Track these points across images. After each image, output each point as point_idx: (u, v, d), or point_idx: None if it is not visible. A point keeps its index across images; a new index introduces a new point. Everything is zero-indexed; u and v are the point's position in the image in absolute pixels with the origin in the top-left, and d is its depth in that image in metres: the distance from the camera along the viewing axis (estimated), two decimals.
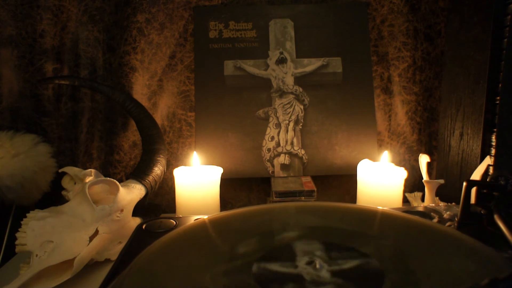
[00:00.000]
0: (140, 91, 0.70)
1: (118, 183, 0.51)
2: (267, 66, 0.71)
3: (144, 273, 0.29)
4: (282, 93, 0.71)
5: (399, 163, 0.73)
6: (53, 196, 0.61)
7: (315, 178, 0.68)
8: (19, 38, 0.67)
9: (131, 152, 0.71)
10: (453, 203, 0.52)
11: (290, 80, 0.71)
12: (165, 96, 0.72)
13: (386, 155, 0.65)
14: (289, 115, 0.70)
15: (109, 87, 0.62)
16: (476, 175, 0.57)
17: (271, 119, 0.71)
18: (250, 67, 0.71)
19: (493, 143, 0.59)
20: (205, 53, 0.71)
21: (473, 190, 0.41)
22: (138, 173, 0.58)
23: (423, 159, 0.64)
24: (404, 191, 0.64)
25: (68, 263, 0.42)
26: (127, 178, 0.58)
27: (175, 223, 0.44)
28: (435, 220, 0.43)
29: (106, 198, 0.52)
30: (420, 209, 0.47)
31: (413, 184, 0.74)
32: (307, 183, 0.65)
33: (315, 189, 0.61)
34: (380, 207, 0.42)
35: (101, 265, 0.48)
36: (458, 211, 0.41)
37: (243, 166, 0.70)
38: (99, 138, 0.71)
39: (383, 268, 0.29)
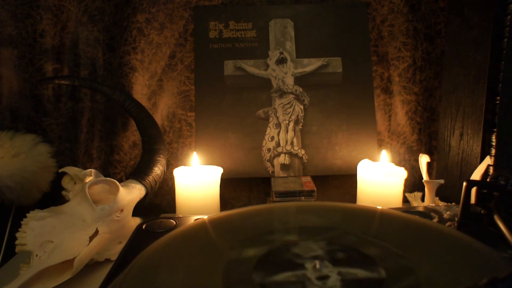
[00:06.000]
0: (140, 91, 0.70)
1: (118, 183, 0.51)
2: (267, 66, 0.71)
3: (144, 273, 0.29)
4: (282, 93, 0.71)
5: (399, 163, 0.73)
6: (53, 196, 0.61)
7: (315, 178, 0.68)
8: (19, 38, 0.67)
9: (131, 152, 0.71)
10: (453, 203, 0.52)
11: (290, 80, 0.71)
12: (165, 96, 0.72)
13: (384, 154, 0.65)
14: (289, 115, 0.70)
15: (109, 87, 0.62)
16: (476, 175, 0.57)
17: (271, 119, 0.71)
18: (250, 67, 0.71)
19: (493, 143, 0.59)
20: (205, 53, 0.71)
21: (473, 190, 0.41)
22: (138, 173, 0.58)
23: (423, 159, 0.64)
24: (404, 191, 0.64)
25: (68, 263, 0.42)
26: (127, 178, 0.58)
27: (175, 223, 0.44)
28: (435, 220, 0.43)
29: (106, 198, 0.52)
30: (420, 209, 0.46)
31: (413, 184, 0.74)
32: (307, 183, 0.65)
33: (315, 189, 0.61)
34: (380, 207, 0.42)
35: (101, 265, 0.48)
36: (458, 211, 0.41)
37: (243, 166, 0.70)
38: (99, 138, 0.71)
39: (383, 268, 0.29)
